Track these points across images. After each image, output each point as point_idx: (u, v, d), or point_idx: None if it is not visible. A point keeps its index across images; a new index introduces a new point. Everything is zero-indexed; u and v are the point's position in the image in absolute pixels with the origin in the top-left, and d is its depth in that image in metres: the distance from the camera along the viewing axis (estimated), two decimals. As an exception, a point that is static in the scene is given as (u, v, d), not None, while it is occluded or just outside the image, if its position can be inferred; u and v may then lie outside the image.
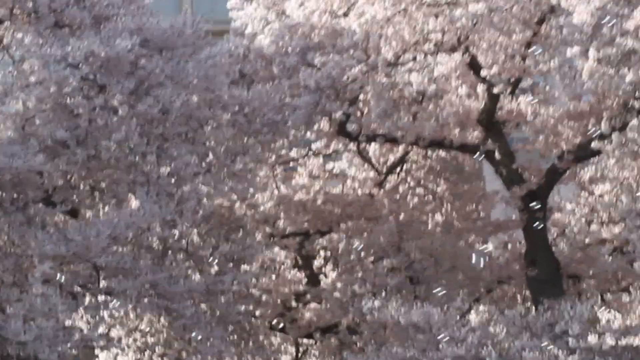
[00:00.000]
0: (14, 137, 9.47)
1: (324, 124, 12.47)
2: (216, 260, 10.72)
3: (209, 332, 9.83)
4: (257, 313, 12.63)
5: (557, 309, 9.56)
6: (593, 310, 9.67)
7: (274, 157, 12.55)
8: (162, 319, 10.46)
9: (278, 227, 13.09)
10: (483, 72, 11.62)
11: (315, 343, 13.79)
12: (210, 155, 10.45)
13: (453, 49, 11.64)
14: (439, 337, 9.55)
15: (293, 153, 13.37)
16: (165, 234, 9.86)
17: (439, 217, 13.98)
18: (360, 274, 12.99)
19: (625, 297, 13.82)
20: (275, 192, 13.42)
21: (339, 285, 13.00)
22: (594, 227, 13.37)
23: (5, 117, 9.76)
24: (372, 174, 13.86)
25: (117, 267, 9.10)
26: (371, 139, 12.57)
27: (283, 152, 12.65)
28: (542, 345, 9.20)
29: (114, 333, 10.89)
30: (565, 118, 12.38)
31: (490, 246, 14.41)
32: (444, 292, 12.49)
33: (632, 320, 11.81)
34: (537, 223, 12.32)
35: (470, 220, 14.42)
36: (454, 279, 13.27)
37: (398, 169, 14.02)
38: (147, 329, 11.55)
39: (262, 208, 12.89)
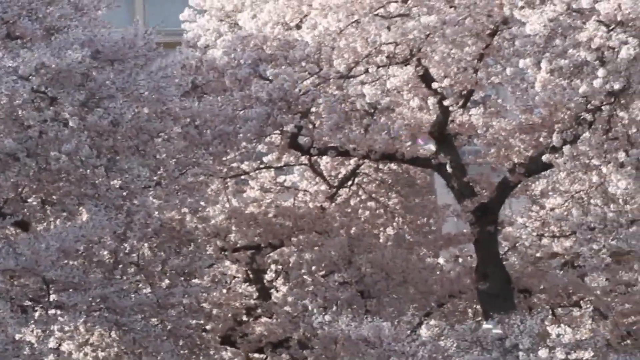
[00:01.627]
0: (-35, 149, 9.46)
1: (276, 137, 12.68)
2: (167, 274, 10.83)
3: (160, 346, 9.88)
4: (208, 327, 12.70)
5: (507, 323, 9.79)
6: (543, 325, 9.97)
7: (225, 170, 12.63)
8: (112, 333, 10.42)
9: (229, 241, 13.28)
10: (435, 85, 11.89)
11: (266, 358, 13.89)
12: (161, 168, 10.51)
13: (405, 62, 11.90)
14: (389, 352, 9.74)
15: (244, 166, 13.48)
16: (116, 248, 9.98)
17: (390, 231, 14.33)
18: (311, 288, 13.16)
19: (575, 312, 14.26)
20: (227, 205, 13.61)
21: (289, 299, 13.22)
22: (545, 241, 13.77)
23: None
24: (323, 187, 14.10)
25: (67, 281, 9.13)
26: (323, 152, 12.76)
27: (234, 164, 12.79)
28: (493, 359, 9.52)
29: (64, 347, 11.01)
30: (516, 131, 12.68)
31: (441, 260, 14.75)
32: (395, 306, 12.79)
33: (582, 334, 12.25)
34: (488, 237, 12.73)
35: (422, 233, 14.65)
36: (405, 293, 13.48)
37: (349, 182, 14.23)
38: (98, 343, 11.61)
39: (213, 221, 13.06)
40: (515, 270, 13.45)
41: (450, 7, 11.15)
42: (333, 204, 13.97)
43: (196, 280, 11.22)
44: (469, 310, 14.60)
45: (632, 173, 10.96)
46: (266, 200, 14.09)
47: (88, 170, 9.61)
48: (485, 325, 11.01)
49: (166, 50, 11.28)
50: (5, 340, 8.50)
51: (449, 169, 12.74)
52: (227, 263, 13.54)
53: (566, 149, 10.92)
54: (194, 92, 11.26)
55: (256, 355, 14.02)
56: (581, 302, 14.08)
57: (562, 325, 12.32)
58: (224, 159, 11.90)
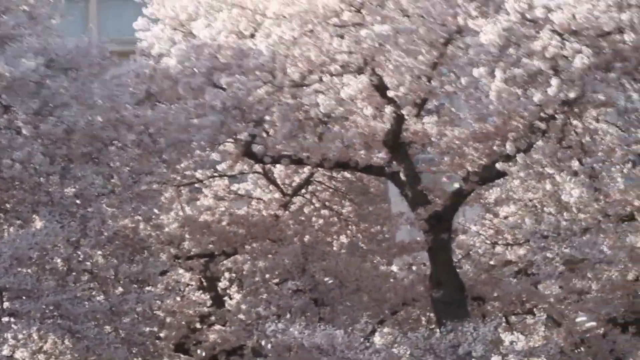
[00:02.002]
0: None
1: (230, 145, 12.72)
2: (120, 281, 10.85)
3: (113, 353, 9.84)
4: (162, 334, 12.69)
5: (460, 331, 9.84)
6: (496, 332, 10.18)
7: (179, 178, 12.67)
8: (66, 340, 10.36)
9: (183, 249, 13.36)
10: (389, 94, 11.98)
11: (220, 365, 13.86)
12: (115, 176, 10.58)
13: (359, 70, 11.98)
14: (342, 359, 9.81)
15: (198, 174, 13.48)
16: (69, 255, 9.96)
17: (344, 239, 14.48)
18: (265, 296, 13.25)
19: (529, 319, 14.46)
20: (180, 213, 13.61)
21: (243, 307, 13.29)
22: (498, 249, 14.04)
23: None
24: (277, 195, 14.21)
25: (20, 288, 9.14)
26: (277, 160, 12.78)
27: (188, 173, 12.74)
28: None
29: (18, 355, 10.88)
30: (470, 139, 12.74)
31: (395, 268, 14.88)
32: (349, 314, 12.93)
33: (535, 342, 12.49)
34: (442, 245, 12.87)
35: (375, 241, 14.78)
36: (359, 300, 13.60)
37: (303, 190, 14.37)
38: (51, 351, 11.41)
39: (166, 229, 13.07)
40: (469, 278, 13.50)
41: (404, 16, 11.23)
42: (287, 212, 14.08)
43: (150, 288, 11.22)
44: (423, 318, 14.63)
45: (586, 181, 11.16)
46: (220, 208, 14.13)
47: (42, 178, 9.73)
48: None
49: (120, 59, 11.36)
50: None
51: (402, 177, 12.82)
52: (181, 271, 13.55)
53: (520, 157, 11.05)
54: (147, 100, 11.36)
55: (210, 362, 14.02)
56: (534, 309, 14.22)
57: (515, 332, 12.52)
58: (177, 167, 11.93)
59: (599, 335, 13.84)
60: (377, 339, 11.66)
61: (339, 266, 13.33)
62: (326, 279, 13.32)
